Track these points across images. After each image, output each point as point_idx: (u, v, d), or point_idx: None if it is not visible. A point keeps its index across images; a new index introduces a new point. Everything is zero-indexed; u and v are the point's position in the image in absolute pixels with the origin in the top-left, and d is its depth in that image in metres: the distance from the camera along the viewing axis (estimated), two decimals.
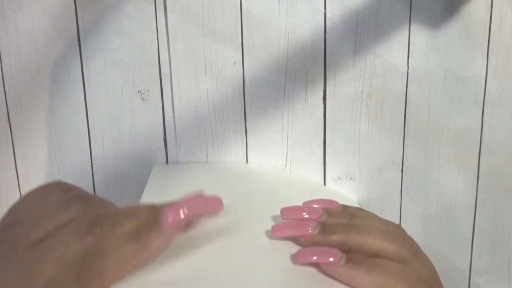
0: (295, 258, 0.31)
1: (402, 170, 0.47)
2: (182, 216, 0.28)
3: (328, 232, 0.32)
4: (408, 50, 0.45)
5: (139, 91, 0.46)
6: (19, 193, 0.48)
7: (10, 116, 0.47)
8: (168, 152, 0.47)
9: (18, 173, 0.48)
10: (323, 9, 0.44)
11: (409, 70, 0.45)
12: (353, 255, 0.30)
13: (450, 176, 0.47)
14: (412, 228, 0.48)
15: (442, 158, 0.47)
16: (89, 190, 0.48)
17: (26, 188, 0.48)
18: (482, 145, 0.47)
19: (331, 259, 0.30)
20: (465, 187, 0.48)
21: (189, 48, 0.45)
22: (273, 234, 0.32)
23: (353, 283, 0.29)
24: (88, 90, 0.46)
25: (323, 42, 0.45)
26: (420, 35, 0.44)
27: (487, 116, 0.46)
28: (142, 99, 0.46)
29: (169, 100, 0.46)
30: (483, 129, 0.46)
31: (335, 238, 0.32)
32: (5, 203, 0.49)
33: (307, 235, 0.32)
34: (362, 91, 0.46)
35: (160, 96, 0.46)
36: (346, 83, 0.45)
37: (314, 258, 0.30)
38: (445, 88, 0.46)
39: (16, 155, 0.47)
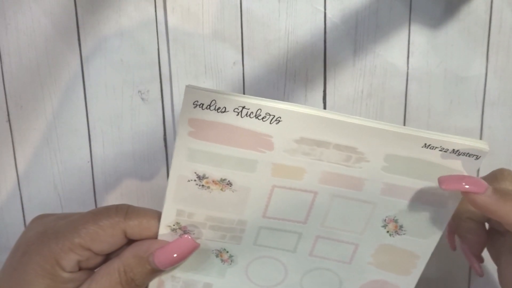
0: (440, 184, 0.29)
1: None
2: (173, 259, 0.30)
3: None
4: (408, 50, 0.45)
5: (139, 91, 0.46)
6: (19, 193, 0.48)
7: (10, 116, 0.47)
8: (168, 152, 0.47)
9: (18, 173, 0.48)
10: (323, 9, 0.44)
11: (409, 70, 0.45)
12: (500, 187, 0.29)
13: None
14: None
15: None
16: (89, 190, 0.48)
17: (26, 188, 0.48)
18: None
19: (479, 189, 0.28)
20: None
21: (189, 48, 0.45)
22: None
23: (499, 214, 0.28)
24: (88, 90, 0.46)
25: (323, 42, 0.45)
26: (420, 35, 0.44)
27: (487, 116, 0.46)
28: (142, 99, 0.46)
29: (169, 100, 0.46)
30: (483, 129, 0.46)
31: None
32: (5, 203, 0.49)
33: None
34: (362, 91, 0.46)
35: (160, 96, 0.46)
36: (346, 83, 0.45)
37: (463, 184, 0.28)
38: (445, 88, 0.46)
39: (16, 155, 0.47)
